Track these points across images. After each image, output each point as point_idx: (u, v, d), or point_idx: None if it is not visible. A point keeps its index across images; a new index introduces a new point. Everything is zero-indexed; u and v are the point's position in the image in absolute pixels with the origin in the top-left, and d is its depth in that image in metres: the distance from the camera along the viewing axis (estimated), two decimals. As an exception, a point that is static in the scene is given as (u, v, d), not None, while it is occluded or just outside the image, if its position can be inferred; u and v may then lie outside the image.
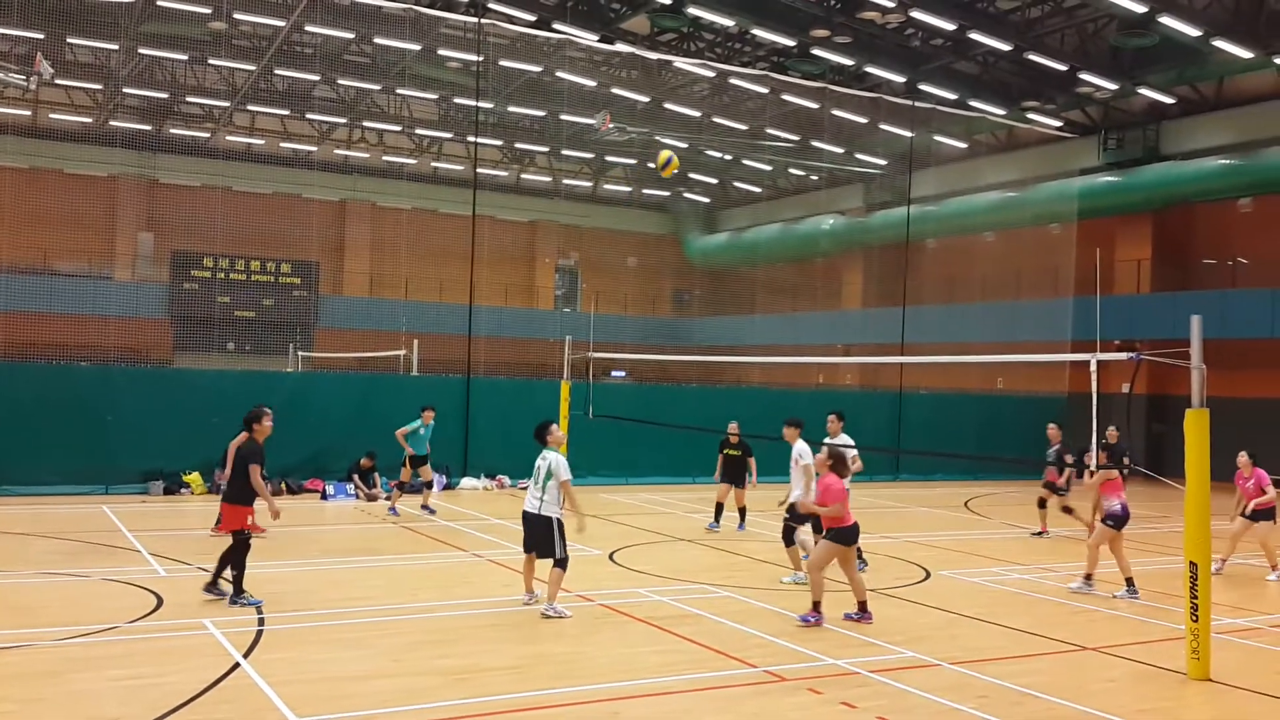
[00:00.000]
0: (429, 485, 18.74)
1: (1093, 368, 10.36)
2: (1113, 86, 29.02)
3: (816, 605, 10.64)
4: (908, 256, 31.45)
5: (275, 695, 7.72)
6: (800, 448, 12.64)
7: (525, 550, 11.06)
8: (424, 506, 18.17)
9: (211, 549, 13.54)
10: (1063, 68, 28.35)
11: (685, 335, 45.18)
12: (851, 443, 13.98)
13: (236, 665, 8.47)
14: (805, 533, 12.48)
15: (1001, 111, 31.66)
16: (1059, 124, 32.65)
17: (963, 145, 34.88)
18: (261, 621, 9.99)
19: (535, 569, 11.14)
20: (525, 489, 22.50)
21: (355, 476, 20.15)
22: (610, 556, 14.37)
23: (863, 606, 10.83)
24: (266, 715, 7.33)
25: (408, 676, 8.37)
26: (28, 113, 35.91)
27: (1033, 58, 27.87)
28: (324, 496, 19.97)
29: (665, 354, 37.45)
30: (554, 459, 10.81)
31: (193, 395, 20.18)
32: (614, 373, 34.28)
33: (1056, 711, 8.06)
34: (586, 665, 8.97)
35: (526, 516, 10.92)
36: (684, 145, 39.60)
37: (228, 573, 10.76)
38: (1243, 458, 14.65)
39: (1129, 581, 12.63)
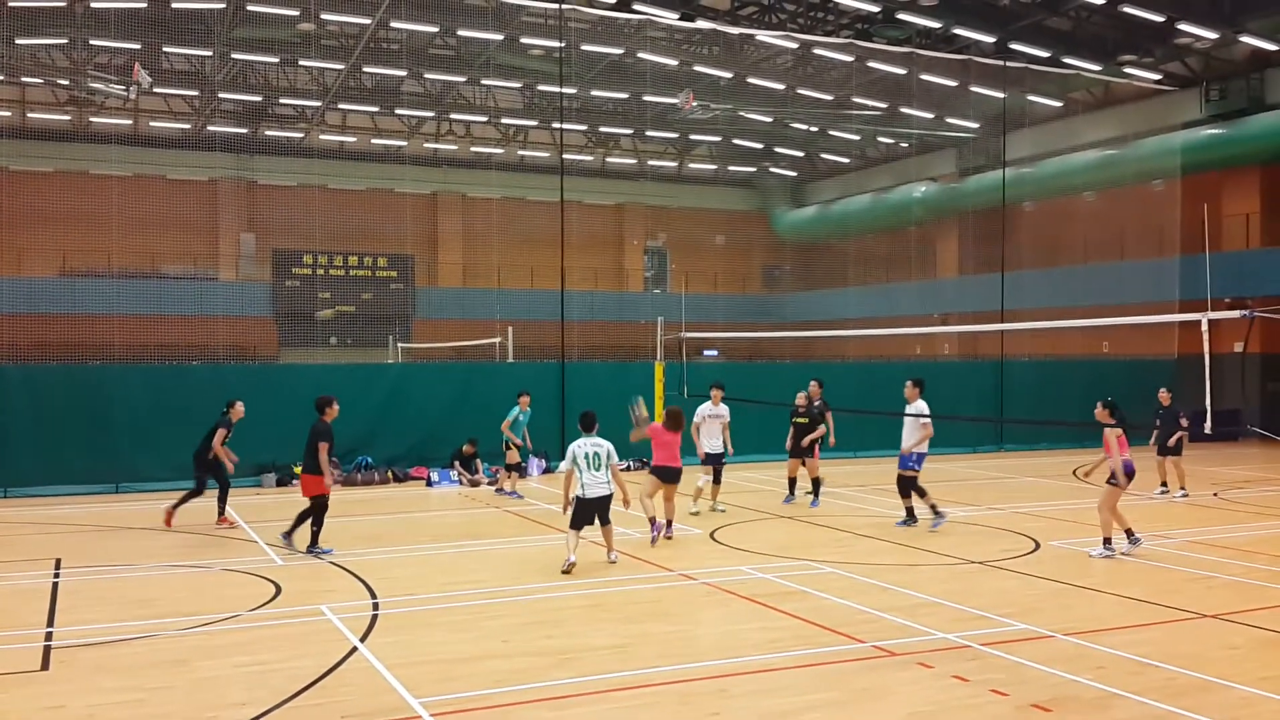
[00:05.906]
0: (516, 469, 18.78)
1: (1204, 328, 10.04)
2: (1213, 36, 27.93)
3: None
4: (1005, 221, 30.73)
5: (393, 677, 7.93)
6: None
7: (580, 527, 12.13)
8: (510, 491, 18.42)
9: (330, 538, 13.93)
10: (1159, 19, 27.36)
11: (777, 311, 44.83)
12: (926, 410, 14.72)
13: (354, 649, 8.72)
14: None
15: (1097, 67, 30.71)
16: (1158, 77, 31.54)
17: (1058, 104, 33.91)
18: (376, 606, 10.25)
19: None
20: (626, 470, 22.72)
21: (458, 463, 20.56)
22: (711, 535, 14.40)
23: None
24: (386, 697, 7.53)
25: (517, 657, 8.51)
26: (129, 122, 37.15)
27: (1128, 10, 26.95)
28: (429, 483, 20.41)
29: (757, 331, 37.24)
30: (608, 445, 12.29)
31: (301, 390, 20.71)
32: (706, 352, 34.23)
33: (1178, 680, 7.86)
34: (692, 644, 9.01)
35: (595, 500, 12.07)
36: (768, 119, 39.30)
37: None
38: None
39: (1125, 534, 13.02)
